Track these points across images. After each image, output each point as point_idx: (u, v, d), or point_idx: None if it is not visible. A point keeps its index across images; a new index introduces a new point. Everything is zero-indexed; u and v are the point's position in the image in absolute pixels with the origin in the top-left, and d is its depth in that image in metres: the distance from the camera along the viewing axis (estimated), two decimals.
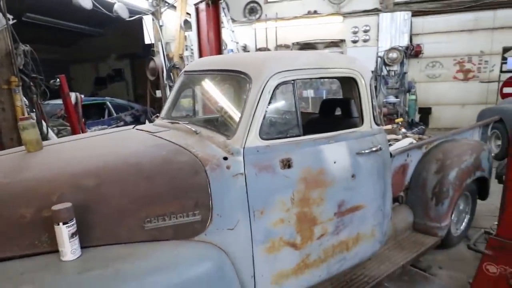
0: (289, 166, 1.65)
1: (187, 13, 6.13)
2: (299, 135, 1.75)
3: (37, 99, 3.65)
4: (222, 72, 1.95)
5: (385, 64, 8.35)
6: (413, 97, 8.03)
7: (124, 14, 5.32)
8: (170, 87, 6.83)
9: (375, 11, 8.43)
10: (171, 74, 6.61)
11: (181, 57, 6.67)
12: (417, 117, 8.39)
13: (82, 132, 4.28)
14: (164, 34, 6.85)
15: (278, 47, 9.33)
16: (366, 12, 8.49)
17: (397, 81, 8.39)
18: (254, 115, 1.60)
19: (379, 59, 8.43)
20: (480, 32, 8.11)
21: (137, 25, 9.91)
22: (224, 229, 1.49)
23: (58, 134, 4.09)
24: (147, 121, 7.36)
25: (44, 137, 3.68)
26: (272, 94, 1.66)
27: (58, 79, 3.87)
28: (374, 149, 2.00)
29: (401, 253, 2.48)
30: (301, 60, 1.81)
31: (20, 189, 1.33)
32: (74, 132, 4.15)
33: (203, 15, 4.08)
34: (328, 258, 1.88)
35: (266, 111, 1.65)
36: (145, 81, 11.34)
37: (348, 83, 2.15)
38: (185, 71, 2.19)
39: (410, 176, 2.83)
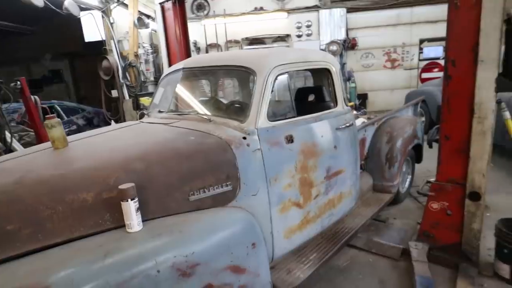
0: (292, 141, 2.05)
1: (139, 11, 6.09)
2: (295, 116, 2.15)
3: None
4: (226, 67, 2.26)
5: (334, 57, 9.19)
6: (353, 84, 9.00)
7: (76, 12, 5.14)
8: (127, 86, 6.73)
9: (315, 8, 9.19)
10: (127, 72, 6.52)
11: (136, 55, 6.60)
12: (357, 102, 9.42)
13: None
14: (115, 32, 6.70)
15: (228, 42, 9.62)
16: (308, 8, 9.21)
17: None
18: (262, 101, 1.96)
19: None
20: (401, 27, 9.38)
21: (75, 22, 9.38)
22: (249, 195, 1.84)
23: (20, 140, 3.91)
24: (101, 123, 7.14)
25: (8, 146, 3.54)
26: (273, 84, 2.03)
27: (18, 82, 3.70)
28: (347, 124, 2.49)
29: (368, 208, 3.06)
30: (291, 56, 2.21)
31: (76, 178, 1.51)
32: (39, 137, 3.99)
33: (169, 13, 4.21)
34: (321, 214, 2.34)
35: (269, 98, 2.02)
36: (88, 81, 10.76)
37: (321, 73, 2.60)
38: (183, 68, 2.44)
39: (367, 147, 3.44)
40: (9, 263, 1.27)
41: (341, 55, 9.12)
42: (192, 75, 2.48)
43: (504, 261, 2.39)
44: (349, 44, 9.27)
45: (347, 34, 9.30)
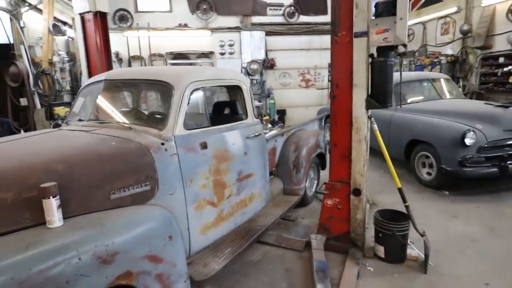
0: (206, 147, 2.36)
1: (55, 17, 5.79)
2: (209, 126, 2.47)
3: None
4: (147, 81, 2.47)
5: (248, 74, 9.87)
6: (272, 101, 9.80)
7: None
8: (39, 95, 6.25)
9: (237, 29, 9.84)
10: (39, 80, 6.07)
11: (51, 63, 6.21)
12: (276, 117, 10.23)
13: None
14: (27, 37, 6.21)
15: (152, 55, 9.60)
16: (230, 29, 9.81)
17: (258, 88, 10.02)
18: (179, 112, 2.23)
19: (243, 69, 9.86)
20: (313, 51, 10.62)
21: None
22: (167, 194, 2.07)
23: None
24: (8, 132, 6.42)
25: None
26: (189, 97, 2.33)
27: None
28: (256, 134, 2.91)
29: (278, 209, 3.50)
30: (207, 73, 2.54)
31: None
32: None
33: (90, 24, 4.17)
34: (234, 213, 2.67)
35: (186, 110, 2.30)
36: None
37: (235, 89, 2.99)
38: (106, 79, 2.56)
39: (278, 156, 3.93)
40: None
41: (261, 74, 9.88)
42: (114, 86, 2.63)
43: (380, 244, 3.01)
44: (268, 64, 10.11)
45: (266, 55, 10.15)
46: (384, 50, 2.76)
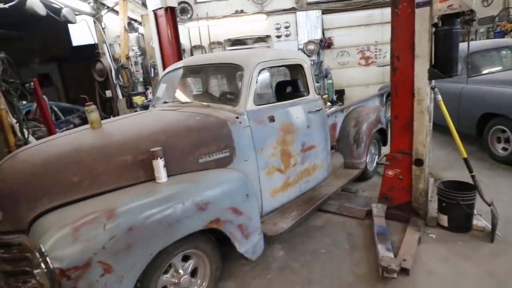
0: (273, 120, 2.65)
1: (128, 16, 6.54)
2: (275, 102, 2.76)
3: (17, 103, 3.94)
4: (219, 65, 2.84)
5: (305, 55, 9.88)
6: (330, 81, 9.73)
7: (73, 18, 5.57)
8: (120, 86, 7.18)
9: (293, 10, 9.87)
10: (120, 74, 6.97)
11: (127, 58, 7.06)
12: (334, 97, 10.15)
13: (54, 133, 4.60)
14: (107, 36, 7.13)
15: (212, 44, 10.16)
16: (285, 10, 9.88)
17: (316, 69, 10.01)
18: (249, 90, 2.55)
19: (300, 51, 9.91)
20: (373, 26, 10.18)
21: (61, 28, 9.75)
22: (242, 160, 2.43)
23: (34, 135, 4.34)
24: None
25: (26, 139, 3.99)
26: (257, 76, 2.63)
27: (32, 83, 4.14)
28: (318, 109, 3.12)
29: (339, 180, 3.70)
30: (271, 54, 2.82)
31: (117, 146, 2.06)
32: (50, 132, 4.45)
33: (162, 20, 4.71)
34: (299, 180, 2.95)
35: (255, 88, 2.61)
36: (76, 84, 11.06)
37: (296, 68, 3.22)
38: (184, 66, 3.00)
39: (338, 131, 4.09)
40: (77, 203, 1.82)
41: (318, 54, 9.83)
42: (191, 71, 3.05)
43: (443, 213, 3.05)
44: (325, 44, 10.00)
45: (323, 34, 10.03)
46: (449, 18, 2.71)
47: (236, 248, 2.24)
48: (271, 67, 2.77)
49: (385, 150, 4.82)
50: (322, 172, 3.29)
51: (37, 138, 4.29)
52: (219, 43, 10.31)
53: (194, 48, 10.24)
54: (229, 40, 10.31)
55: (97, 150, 2.01)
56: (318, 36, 9.92)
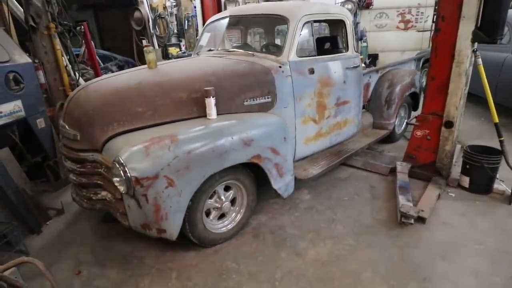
0: (313, 72, 2.80)
1: None
2: (315, 55, 2.88)
3: (70, 44, 4.23)
4: (265, 15, 2.96)
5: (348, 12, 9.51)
6: (365, 44, 9.43)
7: None
8: (157, 36, 7.35)
9: None
10: (156, 24, 7.10)
11: (164, 7, 7.14)
12: (367, 61, 9.89)
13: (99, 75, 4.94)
14: None
15: None
16: None
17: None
18: (293, 41, 2.68)
19: None
20: None
21: None
22: (282, 107, 2.64)
23: (82, 76, 4.69)
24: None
25: (76, 80, 4.33)
26: (301, 28, 2.74)
27: (82, 26, 4.40)
28: (355, 65, 3.22)
29: (367, 138, 3.86)
30: (316, 7, 2.89)
31: (174, 83, 2.31)
32: (96, 75, 4.78)
33: None
34: (331, 132, 3.15)
35: (298, 40, 2.73)
36: (111, 32, 11.29)
37: (338, 24, 3.27)
38: (230, 15, 3.13)
39: (371, 91, 4.16)
40: (142, 130, 2.12)
41: (355, 14, 9.45)
42: (237, 21, 3.18)
43: (465, 175, 3.19)
44: (364, 3, 9.55)
45: None
46: None
47: (271, 184, 2.53)
48: (315, 20, 2.85)
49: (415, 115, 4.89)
50: (352, 128, 3.45)
51: (85, 80, 4.64)
52: None
53: (228, 2, 10.07)
54: None
55: (157, 86, 2.27)
56: None
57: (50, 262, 2.44)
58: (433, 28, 9.97)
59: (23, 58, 3.32)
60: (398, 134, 4.52)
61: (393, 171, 3.53)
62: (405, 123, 4.66)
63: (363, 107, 4.09)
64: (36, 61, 3.85)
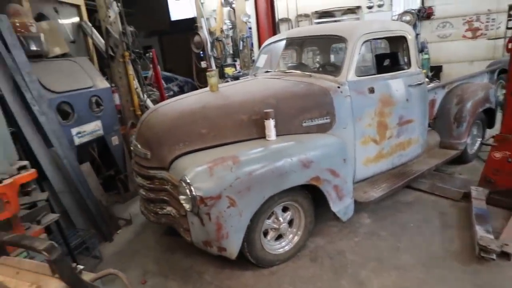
0: (373, 92, 2.72)
1: None
2: (375, 74, 2.80)
3: (140, 70, 4.68)
4: (322, 36, 2.98)
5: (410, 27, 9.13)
6: (426, 56, 8.89)
7: None
8: (214, 58, 7.78)
9: None
10: (214, 46, 7.52)
11: (222, 31, 7.55)
12: (429, 74, 9.28)
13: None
14: (204, 11, 7.69)
15: (298, 16, 10.08)
16: None
17: None
18: (351, 61, 2.64)
19: None
20: None
21: (162, 4, 10.76)
22: (341, 128, 2.59)
23: (149, 97, 5.13)
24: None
25: (144, 101, 4.74)
26: (360, 48, 2.69)
27: (151, 53, 4.86)
28: (419, 83, 3.05)
29: (433, 159, 3.57)
30: (375, 26, 2.83)
31: (235, 106, 2.42)
32: (161, 96, 5.20)
33: None
34: (393, 153, 2.99)
35: (357, 59, 2.68)
36: (172, 55, 12.23)
37: (399, 40, 3.14)
38: (287, 37, 3.21)
39: (436, 108, 3.88)
40: (205, 151, 2.23)
41: (414, 26, 8.99)
42: (294, 43, 3.24)
43: None
44: (424, 14, 9.07)
45: (422, 3, 9.09)
46: None
47: (330, 207, 2.46)
48: (374, 38, 2.78)
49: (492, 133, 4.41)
50: (417, 148, 3.24)
51: (152, 101, 5.06)
52: (306, 15, 10.16)
53: (280, 21, 10.30)
54: (316, 12, 10.08)
55: (219, 109, 2.39)
56: (417, 5, 9.02)
57: (120, 269, 2.62)
58: (507, 35, 9.09)
59: (103, 84, 3.75)
60: (471, 154, 4.11)
61: (466, 196, 3.20)
62: (479, 142, 4.23)
63: (429, 126, 3.82)
64: (113, 85, 4.31)
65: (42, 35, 3.23)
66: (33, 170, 1.82)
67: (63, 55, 3.76)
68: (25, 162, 1.83)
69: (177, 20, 11.65)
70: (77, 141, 3.31)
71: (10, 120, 2.44)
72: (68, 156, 2.87)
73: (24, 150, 2.56)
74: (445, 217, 2.98)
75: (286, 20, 10.26)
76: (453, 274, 2.26)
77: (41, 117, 2.73)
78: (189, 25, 9.50)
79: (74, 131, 3.27)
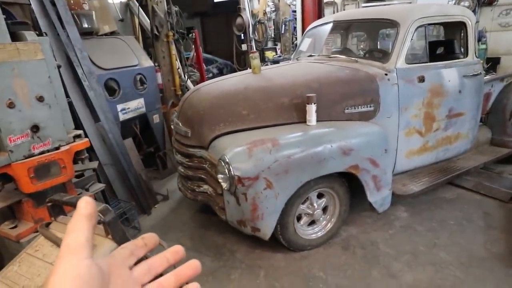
0: (423, 81, 2.57)
1: None
2: (427, 62, 2.63)
3: (183, 50, 4.76)
4: (373, 20, 2.84)
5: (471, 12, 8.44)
6: (484, 46, 8.18)
7: None
8: (255, 41, 7.73)
9: None
10: (255, 29, 7.45)
11: (264, 13, 7.44)
12: (485, 66, 8.56)
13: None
14: None
15: (345, 0, 9.65)
16: None
17: None
18: (402, 47, 2.50)
19: None
20: None
21: None
22: (385, 117, 2.49)
23: (190, 78, 5.24)
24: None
25: (185, 82, 4.85)
26: (413, 33, 2.53)
27: (193, 34, 4.93)
28: (475, 73, 2.82)
29: (482, 156, 3.34)
30: (432, 10, 2.63)
31: (277, 89, 2.40)
32: (201, 77, 5.29)
33: None
34: (438, 147, 2.84)
35: (408, 45, 2.54)
36: (214, 37, 12.31)
37: (457, 26, 2.91)
38: (334, 21, 3.09)
39: (491, 102, 3.59)
40: (245, 132, 2.25)
41: (474, 12, 8.28)
42: (341, 27, 3.12)
43: None
44: (486, 0, 8.30)
45: None
46: None
47: (367, 197, 2.41)
48: (430, 23, 2.60)
49: None
50: (465, 143, 3.05)
51: (192, 81, 5.16)
52: None
53: (326, 5, 9.93)
54: None
55: (261, 91, 2.39)
56: None
57: None
58: None
59: (147, 62, 3.87)
60: None
61: None
62: None
63: (480, 121, 3.56)
64: (156, 64, 4.44)
65: (93, 13, 3.37)
66: (86, 139, 1.94)
67: (112, 33, 3.92)
68: (80, 131, 1.96)
69: (220, 2, 11.66)
70: (122, 117, 3.48)
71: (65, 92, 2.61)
72: (113, 130, 3.03)
73: (75, 122, 2.74)
74: (489, 217, 2.81)
75: (332, 3, 9.88)
76: (494, 275, 2.15)
77: (90, 92, 2.89)
78: (232, 7, 9.45)
79: (119, 107, 3.44)
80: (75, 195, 1.67)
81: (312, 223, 2.47)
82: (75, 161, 1.95)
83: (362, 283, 2.17)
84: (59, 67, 2.02)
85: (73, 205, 1.06)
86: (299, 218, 2.39)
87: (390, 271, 2.25)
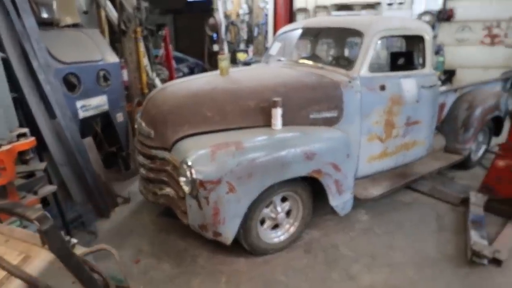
0: (384, 89, 2.68)
1: None
2: (388, 71, 2.75)
3: (151, 47, 4.63)
4: (340, 29, 2.92)
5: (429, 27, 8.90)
6: (441, 59, 8.73)
7: None
8: (227, 42, 7.69)
9: None
10: (228, 30, 7.42)
11: (238, 15, 7.44)
12: (442, 77, 9.13)
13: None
14: None
15: (317, 7, 9.88)
16: None
17: None
18: (365, 56, 2.59)
19: None
20: None
21: None
22: (348, 123, 2.56)
23: (158, 76, 5.10)
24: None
25: (153, 80, 4.71)
26: (376, 44, 2.64)
27: (163, 31, 4.80)
28: (432, 84, 2.99)
29: (436, 162, 3.54)
30: (394, 23, 2.76)
31: (244, 92, 2.39)
32: (170, 75, 5.17)
33: None
34: (397, 152, 2.97)
35: (372, 55, 2.63)
36: (185, 36, 12.10)
37: (415, 39, 3.07)
38: (304, 27, 3.14)
39: (445, 112, 3.82)
40: (208, 134, 2.22)
41: (433, 27, 8.80)
42: (310, 33, 3.18)
43: None
44: (444, 16, 8.86)
45: (444, 4, 8.86)
46: None
47: (329, 200, 2.46)
48: (391, 35, 2.72)
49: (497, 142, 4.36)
50: (421, 149, 3.22)
51: (161, 80, 5.03)
52: (324, 7, 9.95)
53: (298, 11, 10.11)
54: (335, 5, 9.87)
55: (227, 93, 2.37)
56: (438, 6, 8.81)
57: (114, 246, 2.65)
58: None
59: (112, 58, 3.71)
60: (474, 161, 4.08)
61: (465, 201, 3.19)
62: (483, 149, 4.19)
63: (436, 129, 3.78)
64: (122, 60, 4.28)
65: (54, 3, 3.18)
66: (32, 138, 1.81)
67: (74, 25, 3.71)
68: (25, 130, 1.83)
69: (193, 0, 11.48)
70: (81, 114, 3.31)
71: (15, 86, 2.41)
72: (70, 128, 2.86)
73: (27, 118, 2.54)
74: (442, 220, 2.98)
75: (304, 10, 10.08)
76: (444, 275, 2.28)
77: (46, 86, 2.71)
78: (205, 7, 9.35)
79: (79, 104, 3.26)
80: (10, 201, 1.54)
81: (275, 226, 2.48)
82: (23, 162, 1.81)
83: (322, 285, 2.21)
84: (3, 59, 1.87)
85: (7, 211, 0.98)
86: (262, 222, 2.40)
87: (349, 273, 2.31)
